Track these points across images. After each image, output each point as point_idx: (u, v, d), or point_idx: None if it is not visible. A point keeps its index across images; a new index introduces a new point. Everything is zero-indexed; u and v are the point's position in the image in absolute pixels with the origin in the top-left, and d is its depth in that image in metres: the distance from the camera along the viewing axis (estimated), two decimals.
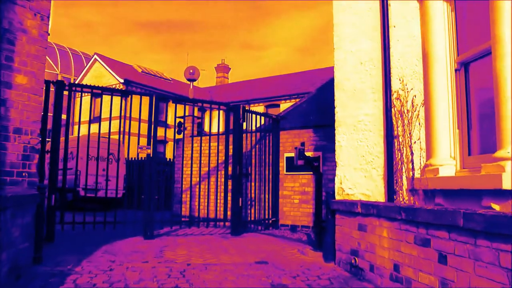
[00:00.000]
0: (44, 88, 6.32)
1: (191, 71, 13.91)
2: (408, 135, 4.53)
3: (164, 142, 26.76)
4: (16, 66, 4.13)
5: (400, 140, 4.58)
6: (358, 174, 4.85)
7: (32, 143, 4.26)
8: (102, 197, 12.56)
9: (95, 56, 28.82)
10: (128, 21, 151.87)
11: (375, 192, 4.68)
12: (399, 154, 4.56)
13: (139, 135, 7.53)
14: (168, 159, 16.25)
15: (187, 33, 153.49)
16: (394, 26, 4.72)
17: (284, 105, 28.38)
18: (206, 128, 29.44)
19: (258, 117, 8.82)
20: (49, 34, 4.47)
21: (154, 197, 7.09)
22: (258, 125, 9.02)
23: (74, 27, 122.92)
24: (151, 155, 7.14)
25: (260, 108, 29.80)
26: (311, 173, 8.58)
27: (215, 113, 26.76)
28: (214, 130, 25.53)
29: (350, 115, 4.97)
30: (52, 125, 6.35)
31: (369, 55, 4.93)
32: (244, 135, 8.32)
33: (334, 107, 5.12)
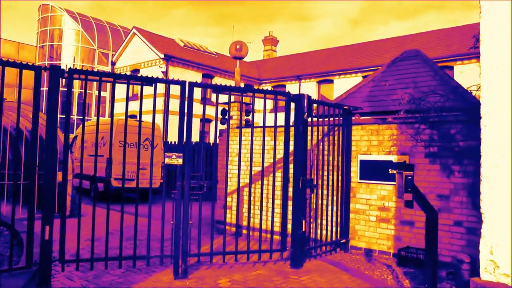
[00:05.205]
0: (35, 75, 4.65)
1: (237, 46, 11.56)
2: None
3: (211, 121, 25.10)
4: None
5: None
6: None
7: None
8: (133, 188, 10.99)
9: (134, 30, 26.62)
10: None
11: None
12: None
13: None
14: (213, 144, 14.59)
15: (234, 5, 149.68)
16: None
17: (338, 81, 25.92)
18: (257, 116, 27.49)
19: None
20: None
21: (187, 222, 5.35)
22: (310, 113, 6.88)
23: (122, 2, 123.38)
24: (182, 166, 5.37)
25: (311, 84, 27.43)
26: (394, 183, 6.49)
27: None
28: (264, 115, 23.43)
29: (510, 133, 2.87)
30: (46, 120, 4.68)
31: None
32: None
33: (479, 117, 3.01)
